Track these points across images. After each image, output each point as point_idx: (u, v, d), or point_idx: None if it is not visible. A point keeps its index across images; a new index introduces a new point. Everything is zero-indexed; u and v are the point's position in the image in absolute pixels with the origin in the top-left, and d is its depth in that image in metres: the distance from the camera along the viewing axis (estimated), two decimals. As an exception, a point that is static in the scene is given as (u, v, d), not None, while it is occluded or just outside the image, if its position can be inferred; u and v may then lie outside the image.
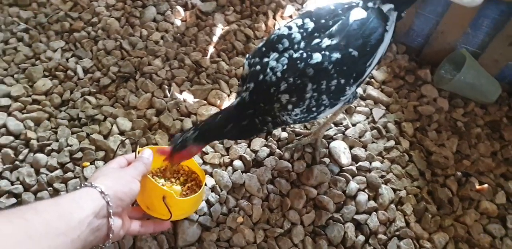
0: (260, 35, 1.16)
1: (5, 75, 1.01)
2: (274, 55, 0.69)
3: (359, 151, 0.94)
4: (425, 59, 1.16)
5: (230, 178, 0.87)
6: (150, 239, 0.77)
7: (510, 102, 1.10)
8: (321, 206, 0.85)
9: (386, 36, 0.72)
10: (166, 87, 1.02)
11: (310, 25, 0.70)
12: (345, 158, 0.92)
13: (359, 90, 1.06)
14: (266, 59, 0.69)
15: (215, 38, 1.15)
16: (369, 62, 0.71)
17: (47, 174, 0.84)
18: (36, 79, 1.00)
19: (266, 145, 0.93)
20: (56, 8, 1.17)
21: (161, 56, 1.09)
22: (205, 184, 0.86)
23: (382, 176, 0.91)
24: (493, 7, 0.99)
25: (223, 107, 1.00)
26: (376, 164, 0.93)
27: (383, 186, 0.89)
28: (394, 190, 0.89)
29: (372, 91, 1.06)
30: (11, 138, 0.89)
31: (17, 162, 0.85)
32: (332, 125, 0.98)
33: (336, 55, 0.66)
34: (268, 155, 0.92)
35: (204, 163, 0.90)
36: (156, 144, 0.92)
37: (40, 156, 0.86)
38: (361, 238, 0.82)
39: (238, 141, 0.93)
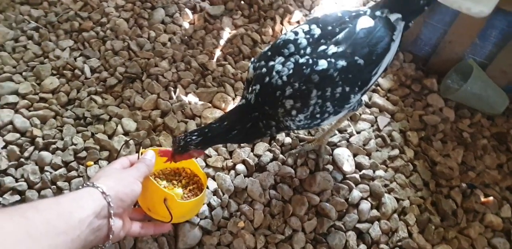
0: (267, 39, 1.19)
1: (14, 73, 1.04)
2: (280, 59, 0.70)
3: (363, 159, 0.95)
4: (432, 68, 1.17)
5: (232, 182, 0.88)
6: (151, 240, 0.79)
7: (518, 114, 1.11)
8: (323, 213, 0.86)
9: (393, 45, 0.73)
10: (172, 89, 1.04)
11: (316, 31, 0.72)
12: (348, 165, 0.93)
13: (365, 98, 1.08)
14: (271, 63, 0.70)
15: (222, 42, 1.17)
16: (375, 71, 0.72)
17: (51, 172, 0.86)
18: (44, 77, 1.03)
19: (269, 150, 0.95)
20: (66, 7, 1.21)
21: (168, 58, 1.11)
22: (207, 187, 0.88)
23: (385, 185, 0.92)
24: (501, 18, 1.01)
25: (227, 110, 1.02)
26: (380, 172, 0.94)
27: (386, 195, 0.90)
28: (398, 200, 0.90)
29: (378, 99, 1.08)
30: (17, 135, 0.92)
31: (22, 159, 0.88)
32: (337, 132, 1.00)
33: (341, 63, 0.67)
34: (271, 160, 0.93)
35: (207, 166, 0.92)
36: (160, 145, 0.94)
37: (45, 154, 0.88)
38: (363, 247, 0.83)
39: (242, 145, 0.94)
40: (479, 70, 1.08)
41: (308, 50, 0.70)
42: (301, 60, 0.68)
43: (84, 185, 0.56)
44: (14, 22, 1.15)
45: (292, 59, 0.69)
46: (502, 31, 1.03)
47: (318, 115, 0.71)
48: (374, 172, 0.94)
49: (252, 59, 0.75)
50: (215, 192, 0.87)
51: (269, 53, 0.72)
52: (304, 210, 0.85)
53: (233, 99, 1.04)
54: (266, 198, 0.87)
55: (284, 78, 0.68)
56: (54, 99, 1.00)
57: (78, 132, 0.94)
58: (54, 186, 0.85)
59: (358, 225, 0.85)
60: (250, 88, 0.72)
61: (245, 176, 0.90)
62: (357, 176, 0.92)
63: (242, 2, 1.28)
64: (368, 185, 0.91)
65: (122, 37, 1.14)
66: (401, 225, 0.87)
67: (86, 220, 0.51)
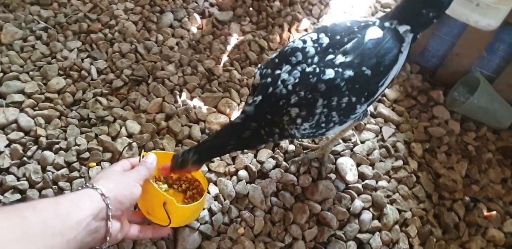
0: (274, 46, 1.24)
1: (21, 72, 1.09)
2: (287, 67, 0.72)
3: (366, 169, 0.98)
4: (439, 80, 1.22)
5: (234, 188, 0.92)
6: (150, 244, 0.82)
7: (524, 129, 1.15)
8: (324, 222, 0.89)
9: (401, 57, 0.75)
10: (177, 92, 1.09)
11: (324, 40, 0.74)
12: (351, 175, 0.96)
13: (370, 108, 1.12)
14: (278, 71, 0.72)
15: (229, 47, 1.23)
16: (382, 82, 0.74)
17: (53, 172, 0.90)
18: (51, 77, 1.08)
19: (272, 157, 0.98)
20: (76, 9, 1.27)
21: (174, 62, 1.16)
22: (208, 192, 0.91)
23: (388, 196, 0.95)
24: (509, 32, 1.06)
25: (232, 116, 1.06)
26: (383, 183, 0.97)
27: (388, 206, 0.93)
28: (399, 211, 0.93)
29: (383, 109, 1.12)
30: (21, 134, 0.96)
31: (25, 158, 0.92)
32: (341, 141, 1.03)
33: (349, 73, 0.70)
34: (274, 167, 0.97)
35: (209, 171, 0.95)
36: (163, 148, 0.97)
37: (47, 153, 0.92)
38: (363, 258, 0.85)
39: (245, 151, 0.98)
40: (486, 83, 1.12)
41: (316, 59, 0.72)
42: (308, 69, 0.71)
43: (84, 186, 0.59)
44: (23, 22, 1.21)
45: (299, 68, 0.71)
46: (510, 45, 1.08)
47: (323, 124, 0.73)
48: (377, 182, 0.97)
49: (259, 65, 0.78)
50: (216, 197, 0.90)
51: (277, 60, 0.75)
52: (305, 218, 0.89)
53: (238, 104, 1.09)
54: (267, 205, 0.90)
55: (290, 87, 0.70)
56: (60, 99, 1.05)
57: (82, 133, 0.99)
58: (56, 186, 0.88)
59: (359, 235, 0.88)
60: (251, 99, 0.74)
61: (247, 182, 0.93)
62: (359, 186, 0.95)
63: (251, 8, 1.34)
64: (371, 195, 0.94)
65: (130, 39, 1.20)
66: (402, 237, 0.89)
67: (84, 222, 0.52)
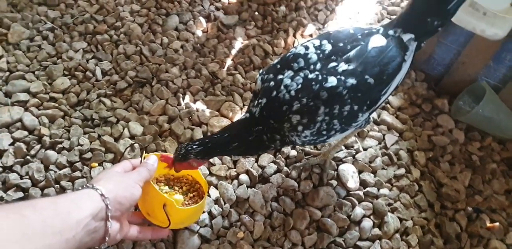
0: (279, 51, 1.29)
1: (27, 71, 1.14)
2: (289, 73, 0.75)
3: (368, 177, 1.02)
4: (444, 88, 1.26)
5: (234, 192, 0.96)
6: (150, 245, 0.85)
7: (530, 140, 1.18)
8: (324, 229, 0.93)
9: (404, 66, 0.77)
10: (181, 95, 1.14)
11: (327, 47, 0.76)
12: (353, 182, 1.00)
13: (373, 115, 1.16)
14: (280, 76, 0.75)
15: (233, 51, 1.28)
16: (385, 90, 0.77)
17: (55, 171, 0.95)
18: (56, 77, 1.14)
19: (274, 162, 1.02)
20: (82, 10, 1.33)
21: (179, 65, 1.22)
22: (209, 195, 0.95)
23: (389, 204, 0.99)
24: (517, 42, 1.10)
25: (234, 120, 1.11)
26: (384, 191, 1.00)
27: (389, 214, 0.96)
28: (401, 220, 0.97)
29: (387, 117, 1.16)
30: (25, 133, 1.01)
31: (28, 157, 0.96)
32: (343, 148, 1.07)
33: (351, 81, 0.72)
34: (275, 172, 1.01)
35: (210, 174, 0.99)
36: (165, 151, 1.02)
37: (50, 153, 0.97)
38: (362, 266, 0.88)
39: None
40: (492, 93, 1.15)
41: (318, 65, 0.74)
42: (310, 76, 0.73)
43: (84, 186, 0.61)
44: (30, 22, 1.27)
45: (301, 74, 0.74)
46: (517, 54, 1.12)
47: (324, 132, 0.75)
48: (378, 190, 1.01)
49: (261, 70, 0.80)
50: (216, 201, 0.94)
51: (278, 66, 0.77)
52: (305, 224, 0.92)
53: (241, 108, 1.13)
54: (267, 210, 0.94)
55: (292, 92, 0.72)
56: (64, 99, 1.10)
57: (85, 133, 1.04)
58: (58, 185, 0.93)
59: (359, 243, 0.91)
60: (256, 101, 0.77)
61: (247, 187, 0.97)
62: (361, 193, 0.99)
63: (256, 13, 1.39)
64: (372, 203, 0.98)
65: (135, 41, 1.26)
66: (402, 246, 0.92)
67: (83, 221, 0.55)
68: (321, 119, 0.73)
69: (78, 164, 0.97)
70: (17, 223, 0.48)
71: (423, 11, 0.77)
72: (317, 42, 0.78)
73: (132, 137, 1.04)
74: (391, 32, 0.78)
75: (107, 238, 0.60)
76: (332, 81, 0.72)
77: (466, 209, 1.01)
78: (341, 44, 0.77)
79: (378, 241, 0.92)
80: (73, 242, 0.53)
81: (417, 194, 1.02)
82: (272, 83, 0.75)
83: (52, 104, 1.08)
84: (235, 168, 1.01)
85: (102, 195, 0.60)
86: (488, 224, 0.98)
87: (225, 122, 1.09)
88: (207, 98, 1.14)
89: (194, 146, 0.76)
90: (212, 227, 0.90)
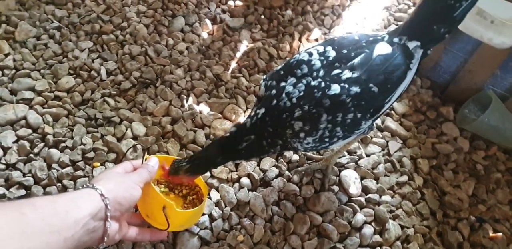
0: (284, 55, 1.33)
1: (32, 70, 1.19)
2: (292, 80, 0.76)
3: (370, 183, 1.05)
4: (450, 96, 1.29)
5: (235, 195, 0.98)
6: (149, 246, 0.88)
7: (536, 150, 1.20)
8: (325, 234, 0.95)
9: (409, 74, 0.79)
10: (185, 97, 1.18)
11: (331, 53, 0.77)
12: (355, 188, 1.03)
13: (377, 121, 1.19)
14: (283, 83, 0.76)
15: (238, 54, 1.32)
16: (388, 98, 0.78)
17: (58, 170, 0.98)
18: (61, 76, 1.18)
19: (275, 166, 1.05)
20: (89, 9, 1.38)
21: (183, 66, 1.25)
22: (210, 198, 0.98)
23: (391, 211, 1.01)
24: (525, 51, 1.12)
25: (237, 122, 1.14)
26: (386, 198, 1.03)
27: (390, 221, 0.98)
28: (402, 227, 0.99)
29: (391, 123, 1.19)
30: (29, 131, 1.05)
31: (31, 155, 1.00)
32: (346, 153, 1.10)
33: (355, 89, 0.73)
34: (277, 176, 1.04)
35: (212, 176, 1.02)
36: (167, 152, 1.05)
37: (53, 151, 1.01)
38: (362, 272, 0.91)
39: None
40: (498, 102, 1.18)
41: (321, 72, 0.76)
42: (313, 83, 0.74)
43: (84, 186, 0.63)
44: (38, 20, 1.32)
45: (304, 81, 0.75)
46: (525, 64, 1.14)
47: (327, 139, 0.77)
48: (380, 196, 1.03)
49: (265, 76, 0.82)
50: (217, 204, 0.97)
51: (282, 72, 0.79)
52: (305, 229, 0.95)
53: (244, 111, 1.17)
54: (268, 214, 0.97)
55: (294, 100, 0.74)
56: (69, 98, 1.14)
57: (88, 132, 1.07)
58: (60, 184, 0.96)
59: (359, 250, 0.93)
60: (254, 112, 0.79)
61: (249, 190, 1.00)
62: (362, 199, 1.01)
63: (262, 16, 1.44)
64: (373, 209, 1.00)
65: (141, 42, 1.30)
66: (403, 254, 0.95)
67: (82, 221, 0.56)
68: (323, 127, 0.74)
69: (80, 163, 1.00)
70: (15, 221, 0.50)
71: (429, 19, 0.79)
72: (321, 49, 0.79)
73: (135, 137, 1.08)
74: (396, 39, 0.79)
75: (105, 238, 0.62)
76: (335, 88, 0.73)
77: (469, 218, 1.03)
78: (345, 51, 0.78)
79: (378, 248, 0.95)
80: (72, 241, 0.55)
81: (419, 201, 1.05)
82: (274, 91, 0.77)
83: (56, 103, 1.12)
84: (236, 171, 1.04)
85: (101, 195, 0.61)
86: (491, 234, 1.00)
87: (228, 125, 1.12)
88: (211, 101, 1.18)
89: (184, 163, 0.80)
90: (212, 229, 0.93)
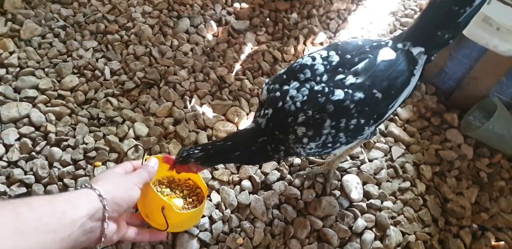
0: (288, 58, 1.35)
1: (37, 68, 1.22)
2: (295, 84, 0.77)
3: (372, 188, 1.06)
4: (455, 102, 1.30)
5: (236, 198, 1.00)
6: (148, 247, 0.90)
7: (540, 159, 1.22)
8: (325, 239, 0.96)
9: (412, 80, 0.80)
10: (188, 98, 1.20)
11: (335, 58, 0.78)
12: (356, 193, 1.04)
13: (381, 126, 1.20)
14: (286, 87, 0.77)
15: (243, 56, 1.34)
16: (392, 104, 0.79)
17: (59, 169, 1.00)
18: (65, 75, 1.21)
19: (277, 169, 1.07)
20: (95, 9, 1.41)
21: (187, 68, 1.28)
22: (210, 200, 1.00)
23: (392, 217, 1.02)
24: (531, 59, 1.14)
25: (240, 125, 1.16)
26: (388, 203, 1.04)
27: (392, 227, 1.00)
28: (403, 233, 1.00)
29: (394, 129, 1.20)
30: (32, 129, 1.07)
31: (33, 153, 1.02)
32: (348, 158, 1.12)
33: (359, 95, 0.74)
34: (278, 180, 1.05)
35: (213, 178, 1.04)
36: (169, 153, 1.07)
37: (55, 150, 1.03)
38: (362, 278, 0.92)
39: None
40: (503, 109, 1.20)
41: (325, 77, 0.77)
42: (317, 88, 0.75)
43: (82, 186, 0.64)
44: (43, 19, 1.35)
45: (307, 85, 0.76)
46: (531, 72, 1.16)
47: (329, 144, 0.78)
48: (382, 202, 1.04)
49: (267, 80, 0.83)
50: (217, 206, 0.99)
51: (285, 76, 0.80)
52: (305, 233, 0.96)
53: (247, 114, 1.19)
54: (268, 217, 0.98)
55: (298, 104, 0.75)
56: (72, 97, 1.16)
57: (90, 131, 1.10)
58: (61, 183, 0.98)
59: (359, 255, 0.95)
60: (263, 112, 0.79)
61: (250, 193, 1.02)
62: (364, 204, 1.02)
63: (268, 19, 1.46)
64: (374, 215, 1.01)
65: (145, 43, 1.33)
66: (404, 260, 0.96)
67: (79, 221, 0.57)
68: (327, 132, 0.75)
69: (82, 162, 1.02)
70: (11, 220, 0.50)
71: (434, 24, 0.80)
72: (324, 53, 0.80)
73: (137, 138, 1.10)
74: (400, 45, 0.81)
75: (103, 238, 0.63)
76: (339, 94, 0.74)
77: (471, 226, 1.04)
78: (348, 56, 0.79)
79: (379, 254, 0.96)
80: (68, 241, 0.55)
81: (421, 208, 1.06)
82: (277, 93, 0.78)
83: (59, 102, 1.14)
84: (238, 173, 1.06)
85: (100, 195, 0.62)
86: (493, 243, 1.01)
87: (230, 127, 1.14)
88: (214, 102, 1.20)
89: (196, 151, 0.79)
90: (212, 231, 0.94)
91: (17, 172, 0.98)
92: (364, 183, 1.07)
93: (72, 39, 1.31)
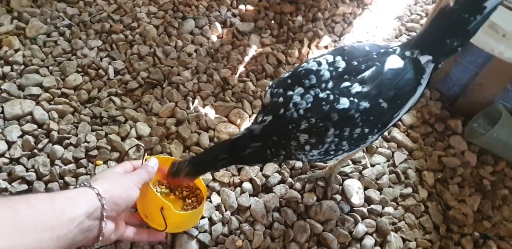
0: (292, 61, 1.37)
1: (41, 66, 1.24)
2: (299, 90, 0.77)
3: (374, 193, 1.07)
4: (459, 109, 1.31)
5: (236, 199, 1.02)
6: (147, 247, 0.91)
7: (545, 168, 1.22)
8: (325, 243, 0.98)
9: (419, 89, 0.80)
10: (191, 99, 1.22)
11: (341, 64, 0.78)
12: (357, 198, 1.05)
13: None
14: (290, 93, 0.77)
15: (247, 58, 1.37)
16: (397, 113, 0.80)
17: (60, 166, 1.03)
18: (69, 73, 1.23)
19: (278, 172, 1.09)
20: (100, 8, 1.44)
21: (191, 68, 1.30)
22: (210, 201, 1.01)
23: (393, 223, 1.04)
24: (537, 67, 1.15)
25: (242, 127, 1.18)
26: (389, 209, 1.05)
27: (392, 233, 1.01)
28: (404, 240, 1.01)
29: (398, 134, 1.22)
30: (35, 126, 1.10)
31: (35, 150, 1.05)
32: (350, 163, 1.13)
33: (365, 104, 0.74)
34: (279, 183, 1.07)
35: (213, 180, 1.06)
36: (170, 153, 1.09)
37: (57, 147, 1.05)
38: (360, 284, 0.93)
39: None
40: (508, 116, 1.21)
41: (330, 84, 0.77)
42: (321, 95, 0.75)
43: (81, 184, 0.66)
44: (49, 17, 1.38)
45: (312, 92, 0.76)
46: (536, 79, 1.17)
47: (332, 152, 0.78)
48: (383, 208, 1.06)
49: (270, 83, 0.83)
50: (218, 207, 1.00)
51: (289, 80, 0.80)
52: (305, 237, 0.97)
53: (250, 116, 1.21)
54: (268, 220, 0.99)
55: (301, 111, 0.75)
56: (75, 95, 1.19)
57: (92, 130, 1.12)
58: (62, 181, 1.00)
59: (359, 261, 0.96)
60: (261, 118, 0.79)
61: (250, 195, 1.03)
62: (364, 210, 1.04)
63: (273, 21, 1.49)
64: (375, 220, 1.03)
65: (150, 43, 1.35)
66: (404, 267, 0.97)
67: (77, 219, 0.58)
68: (330, 140, 0.76)
69: (83, 161, 1.04)
70: (10, 217, 0.51)
71: (443, 32, 0.80)
72: (330, 58, 0.80)
73: (138, 137, 1.12)
74: (408, 53, 0.80)
75: (100, 237, 0.64)
76: (344, 103, 0.74)
77: (473, 234, 1.05)
78: (355, 63, 0.79)
79: (379, 260, 0.97)
80: (65, 239, 0.56)
81: (422, 215, 1.07)
82: (281, 99, 0.78)
83: (63, 100, 1.17)
84: (239, 175, 1.07)
85: (98, 194, 0.63)
86: (495, 252, 1.02)
87: (233, 129, 1.16)
88: (217, 104, 1.22)
89: (184, 166, 0.82)
90: (211, 233, 0.96)
91: (19, 169, 1.00)
92: (365, 188, 1.09)
93: (77, 38, 1.33)
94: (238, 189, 1.05)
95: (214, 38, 1.42)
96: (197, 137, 1.13)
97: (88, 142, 1.08)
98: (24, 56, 1.25)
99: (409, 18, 1.56)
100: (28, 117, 1.12)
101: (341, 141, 0.76)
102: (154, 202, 0.81)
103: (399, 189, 1.11)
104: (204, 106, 1.22)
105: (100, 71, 1.26)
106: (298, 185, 1.06)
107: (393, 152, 1.18)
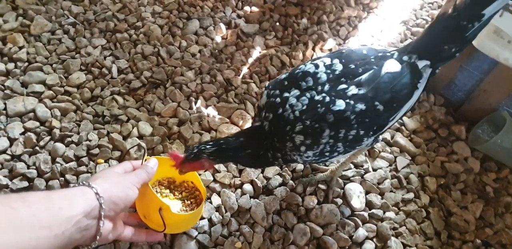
0: (296, 63, 1.39)
1: (45, 63, 1.27)
2: (295, 92, 0.79)
3: (375, 198, 1.08)
4: (463, 115, 1.33)
5: (237, 201, 1.03)
6: (146, 247, 0.93)
7: (549, 175, 1.23)
8: (325, 247, 0.99)
9: (416, 93, 0.82)
10: (193, 99, 1.24)
11: (338, 67, 0.80)
12: (358, 202, 1.07)
13: (386, 135, 1.23)
14: (286, 94, 0.79)
15: (250, 60, 1.39)
16: (393, 117, 0.82)
17: (61, 164, 1.04)
18: (72, 71, 1.25)
19: (279, 174, 1.10)
20: (105, 7, 1.47)
21: (194, 69, 1.32)
22: (210, 202, 1.03)
23: (394, 228, 1.05)
24: (542, 74, 1.17)
25: (245, 128, 1.19)
26: (390, 214, 1.07)
27: (393, 238, 1.02)
28: (404, 245, 1.02)
29: (400, 139, 1.23)
30: (37, 123, 1.12)
31: (37, 148, 1.07)
32: (352, 166, 1.15)
33: (360, 106, 0.76)
34: (280, 185, 1.08)
35: (214, 181, 1.07)
36: (172, 153, 1.10)
37: (59, 145, 1.07)
38: (360, 289, 0.94)
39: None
40: (512, 123, 1.22)
41: (327, 87, 0.79)
42: (317, 97, 0.77)
43: (80, 183, 0.67)
44: (54, 15, 1.40)
45: (308, 95, 0.78)
46: (541, 86, 1.19)
47: (327, 153, 0.81)
48: (384, 213, 1.07)
49: (267, 84, 0.85)
50: (218, 208, 1.02)
51: (286, 82, 0.82)
52: (305, 240, 0.98)
53: (252, 117, 1.22)
54: (268, 223, 1.01)
55: (297, 113, 0.77)
56: (78, 93, 1.21)
57: (94, 129, 1.14)
58: (62, 178, 1.02)
59: (359, 265, 0.97)
60: (264, 115, 0.81)
61: (251, 197, 1.05)
62: (365, 214, 1.05)
63: (277, 23, 1.51)
64: (376, 225, 1.04)
65: (154, 42, 1.37)
66: (403, 272, 0.98)
67: (74, 218, 0.59)
68: (325, 142, 0.78)
69: (84, 159, 1.06)
70: (6, 215, 0.52)
71: (441, 38, 0.82)
72: (328, 61, 0.82)
73: (140, 137, 1.14)
74: (405, 57, 0.83)
75: (98, 236, 0.65)
76: (340, 104, 0.77)
77: (474, 241, 1.06)
78: (352, 66, 0.81)
79: (378, 265, 0.98)
80: (62, 238, 0.57)
81: (424, 220, 1.08)
82: (278, 99, 0.80)
83: (66, 98, 1.19)
84: (240, 177, 1.09)
85: (97, 193, 0.64)
86: (497, 259, 1.03)
87: (235, 130, 1.18)
88: (219, 104, 1.24)
89: (208, 146, 0.81)
90: (211, 234, 0.97)
91: (20, 166, 1.02)
92: (367, 193, 1.10)
93: (81, 36, 1.36)
94: (239, 190, 1.06)
95: (218, 39, 1.44)
96: (199, 138, 1.15)
97: (89, 141, 1.10)
98: (28, 53, 1.28)
99: (415, 22, 1.58)
100: (31, 114, 1.14)
101: (336, 143, 0.78)
102: (153, 203, 0.82)
103: (400, 194, 1.12)
104: (206, 106, 1.24)
105: (104, 69, 1.28)
106: (299, 188, 1.08)
107: (395, 157, 1.20)
